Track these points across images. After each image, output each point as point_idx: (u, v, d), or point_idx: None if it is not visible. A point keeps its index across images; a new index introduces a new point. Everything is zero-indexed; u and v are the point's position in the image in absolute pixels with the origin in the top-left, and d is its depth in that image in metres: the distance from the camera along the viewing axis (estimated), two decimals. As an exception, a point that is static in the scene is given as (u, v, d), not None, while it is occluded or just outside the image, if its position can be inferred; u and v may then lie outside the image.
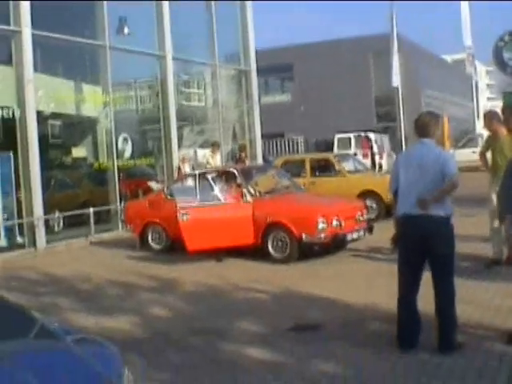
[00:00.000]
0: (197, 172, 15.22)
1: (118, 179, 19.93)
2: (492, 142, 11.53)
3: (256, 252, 13.54)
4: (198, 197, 14.11)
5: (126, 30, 21.17)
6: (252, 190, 14.11)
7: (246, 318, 9.11)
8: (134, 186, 21.51)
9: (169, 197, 15.13)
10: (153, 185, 21.91)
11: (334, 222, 12.92)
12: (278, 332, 8.33)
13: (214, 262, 13.58)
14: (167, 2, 21.82)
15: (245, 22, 26.68)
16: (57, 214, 18.24)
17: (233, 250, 13.70)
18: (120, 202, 19.54)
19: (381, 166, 36.87)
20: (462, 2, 46.04)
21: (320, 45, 55.32)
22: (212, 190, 14.40)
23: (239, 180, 14.21)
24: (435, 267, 7.22)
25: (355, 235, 13.38)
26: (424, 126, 7.37)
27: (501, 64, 22.15)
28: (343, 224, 13.04)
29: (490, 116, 11.53)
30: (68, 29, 18.38)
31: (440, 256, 7.15)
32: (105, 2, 19.68)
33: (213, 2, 24.69)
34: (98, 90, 20.35)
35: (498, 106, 45.79)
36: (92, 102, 20.43)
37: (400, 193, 7.38)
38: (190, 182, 15.47)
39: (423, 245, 7.14)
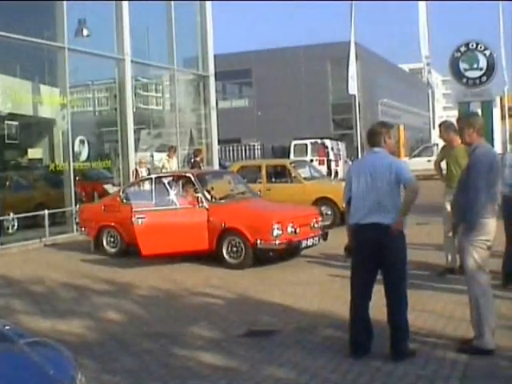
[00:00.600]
0: (153, 176, 15.23)
1: (74, 181, 19.80)
2: (447, 152, 11.70)
3: (211, 257, 13.56)
4: (154, 201, 14.13)
5: (85, 32, 21.06)
6: (208, 196, 14.13)
7: (200, 323, 9.14)
8: (89, 189, 21.40)
9: (124, 200, 15.11)
10: (109, 188, 21.83)
11: (289, 229, 12.98)
12: (231, 337, 8.38)
13: (167, 266, 13.56)
14: (127, 3, 21.70)
15: (204, 27, 26.71)
16: (11, 215, 18.10)
17: (188, 255, 13.72)
18: (75, 205, 19.41)
19: (337, 173, 37.08)
20: (420, 12, 46.49)
21: (279, 51, 55.60)
22: (168, 194, 14.38)
23: (195, 185, 14.21)
24: (387, 275, 7.33)
25: (310, 242, 13.44)
26: (375, 136, 7.48)
27: (457, 74, 22.53)
28: (298, 231, 13.10)
29: (445, 126, 11.68)
30: (27, 29, 18.23)
31: (392, 264, 7.25)
32: (64, 2, 19.51)
33: (172, 4, 24.61)
34: (56, 92, 20.23)
35: (453, 115, 46.37)
36: (49, 103, 20.31)
37: (352, 202, 7.47)
38: (145, 185, 15.48)
39: (375, 253, 7.23)
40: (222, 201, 14.48)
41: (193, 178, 14.33)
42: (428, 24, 46.63)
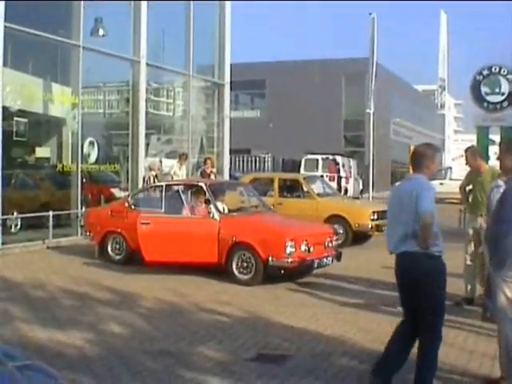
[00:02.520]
0: (164, 183, 14.78)
1: (81, 183, 19.29)
2: (473, 178, 11.27)
3: (219, 271, 13.08)
4: (163, 209, 13.75)
5: (100, 32, 20.66)
6: (219, 207, 13.65)
7: (207, 342, 8.64)
8: (96, 192, 20.94)
9: (132, 206, 14.65)
10: (116, 192, 21.37)
11: (303, 247, 12.48)
12: (241, 361, 7.88)
13: (173, 277, 13.08)
14: (145, 4, 21.20)
15: (222, 34, 26.27)
16: (15, 214, 17.63)
17: (194, 267, 13.28)
18: (81, 207, 18.93)
19: (346, 191, 36.71)
20: (441, 33, 46.14)
21: (294, 64, 55.18)
22: (178, 202, 14.01)
23: (207, 195, 13.74)
24: (419, 306, 6.81)
25: (323, 262, 12.93)
26: (420, 158, 6.85)
27: (478, 98, 22.08)
28: (312, 249, 12.59)
29: (472, 152, 11.31)
30: (42, 25, 17.74)
31: (422, 295, 6.72)
32: (82, 1, 19.07)
33: (192, 4, 24.12)
34: (68, 91, 19.71)
35: (465, 139, 45.96)
36: (61, 102, 19.76)
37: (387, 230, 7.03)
38: (155, 192, 15.02)
39: (405, 283, 6.77)
40: (234, 213, 14.05)
41: (205, 188, 13.86)
42: (448, 46, 46.31)
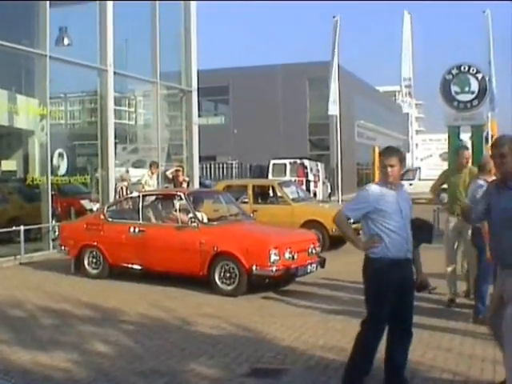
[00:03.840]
0: (140, 194, 14.43)
1: (52, 196, 18.77)
2: (449, 177, 11.41)
3: (199, 280, 12.76)
4: (141, 220, 13.46)
5: (66, 41, 20.25)
6: (199, 216, 13.31)
7: (198, 358, 8.30)
8: (66, 205, 20.47)
9: (109, 219, 14.26)
10: (86, 203, 20.95)
11: (287, 255, 12.16)
12: (236, 377, 7.56)
13: (153, 290, 12.75)
14: (111, 10, 20.71)
15: (188, 41, 25.91)
16: (-17, 230, 17.14)
17: (174, 276, 13.05)
18: (51, 221, 18.45)
19: (315, 194, 36.56)
20: (404, 32, 46.16)
21: (257, 69, 55.03)
22: (156, 212, 13.70)
23: (186, 204, 13.40)
24: None
25: (307, 269, 12.61)
26: None
27: (448, 97, 21.96)
28: (296, 257, 12.29)
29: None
30: (5, 34, 17.25)
31: None
32: (47, 3, 18.43)
33: (157, 4, 23.75)
34: (35, 102, 19.17)
35: (433, 138, 46.09)
36: (28, 113, 19.25)
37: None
38: (132, 203, 14.64)
39: None
40: (214, 222, 13.66)
41: (183, 197, 13.52)
42: (413, 46, 46.35)
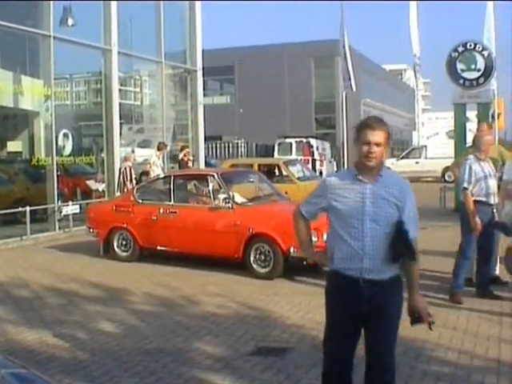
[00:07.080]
0: (172, 174, 14.28)
1: (57, 177, 18.77)
2: None
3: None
4: (172, 201, 13.40)
5: (70, 21, 20.13)
6: (234, 197, 12.97)
7: (204, 337, 8.32)
8: (72, 185, 20.50)
9: (140, 200, 13.99)
10: (92, 184, 20.96)
11: (325, 236, 11.95)
12: (241, 355, 7.57)
13: (161, 270, 12.76)
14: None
15: (193, 21, 25.80)
16: (-10, 211, 17.19)
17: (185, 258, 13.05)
18: (57, 201, 18.48)
19: (321, 173, 36.51)
20: (411, 10, 45.91)
21: (262, 48, 54.80)
22: (188, 194, 13.61)
23: (220, 185, 13.10)
24: None
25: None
26: None
27: (454, 75, 21.79)
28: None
29: None
30: (9, 16, 17.21)
31: None
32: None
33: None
34: (40, 83, 19.14)
35: (439, 117, 45.94)
36: (32, 94, 19.24)
37: None
38: (163, 184, 14.39)
39: None
40: (250, 203, 13.25)
41: (216, 178, 13.19)
42: (418, 23, 46.11)
